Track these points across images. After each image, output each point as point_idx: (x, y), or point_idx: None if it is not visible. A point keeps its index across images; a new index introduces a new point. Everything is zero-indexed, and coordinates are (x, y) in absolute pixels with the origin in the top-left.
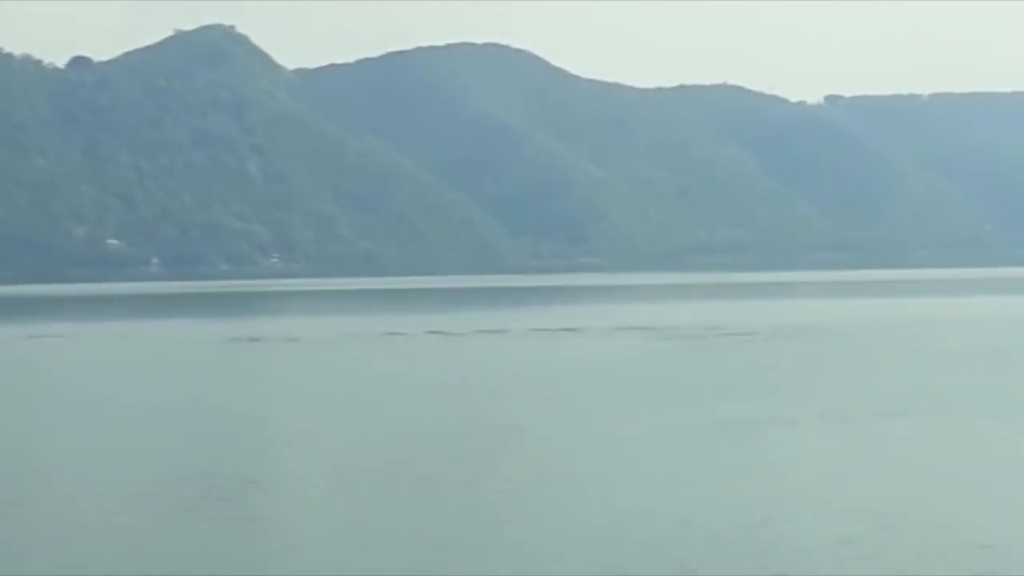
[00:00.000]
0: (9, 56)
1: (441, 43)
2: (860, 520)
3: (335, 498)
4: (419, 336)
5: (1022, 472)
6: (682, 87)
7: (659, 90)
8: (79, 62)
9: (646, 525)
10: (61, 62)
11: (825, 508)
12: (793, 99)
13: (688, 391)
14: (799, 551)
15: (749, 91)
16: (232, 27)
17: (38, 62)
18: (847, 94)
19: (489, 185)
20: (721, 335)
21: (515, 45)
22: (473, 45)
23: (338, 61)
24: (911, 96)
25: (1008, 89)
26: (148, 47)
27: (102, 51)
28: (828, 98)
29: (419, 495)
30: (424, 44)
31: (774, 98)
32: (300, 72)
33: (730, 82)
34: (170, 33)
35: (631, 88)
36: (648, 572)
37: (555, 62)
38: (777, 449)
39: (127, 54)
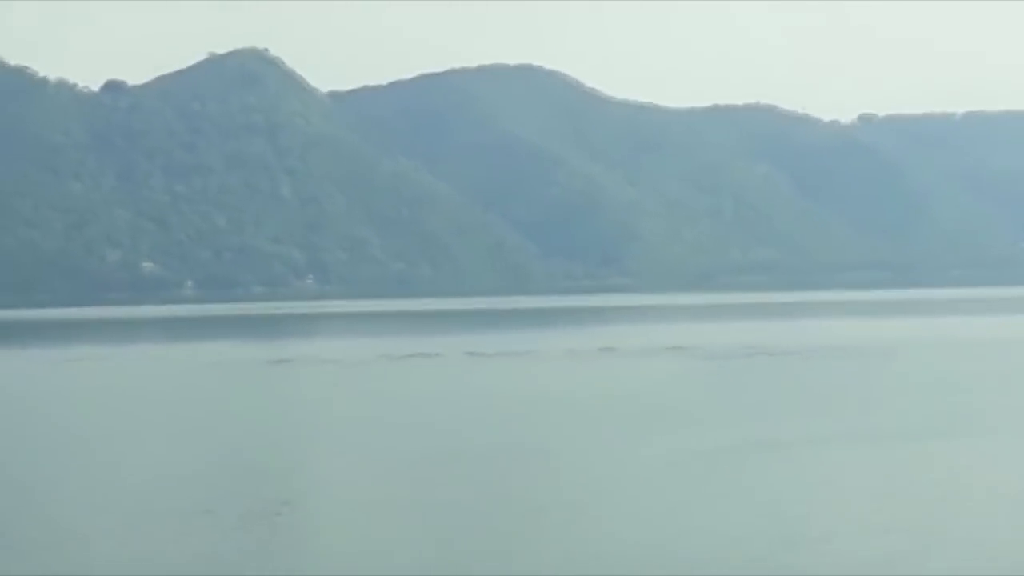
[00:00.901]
0: (44, 80)
1: (473, 65)
2: (900, 539)
3: (368, 519)
4: (452, 357)
5: None
6: (714, 107)
7: (691, 111)
8: (113, 86)
9: (684, 545)
10: (95, 86)
11: (865, 527)
12: (826, 119)
13: (724, 411)
14: (839, 570)
15: (782, 111)
16: (265, 50)
17: (72, 86)
18: (880, 113)
19: (521, 206)
20: (755, 355)
21: (547, 67)
22: (505, 67)
23: (371, 83)
24: (944, 115)
25: None
26: (181, 71)
27: (136, 75)
28: (861, 118)
29: (453, 516)
30: (456, 66)
31: (807, 118)
32: (333, 95)
33: (763, 102)
34: (203, 57)
35: (663, 109)
36: None
37: (587, 83)
38: (814, 469)
39: (160, 78)
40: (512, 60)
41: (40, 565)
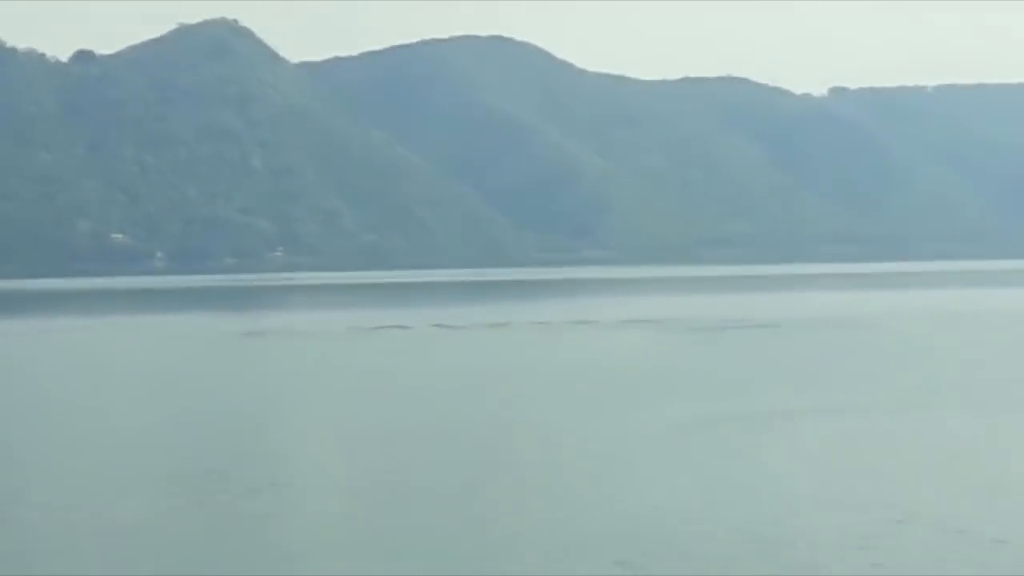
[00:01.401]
0: (13, 50)
1: (445, 36)
2: (876, 516)
3: (340, 494)
4: (424, 330)
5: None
6: (687, 79)
7: (664, 82)
8: (83, 56)
9: (659, 521)
10: (65, 56)
11: (841, 503)
12: (798, 91)
13: (698, 385)
14: (815, 548)
15: (754, 83)
16: (236, 21)
17: (42, 56)
18: (852, 86)
19: (495, 178)
20: (729, 328)
21: (520, 38)
22: (478, 38)
23: (342, 54)
24: (917, 88)
25: (1015, 81)
26: (152, 41)
27: (106, 45)
28: (833, 90)
29: (426, 491)
30: (429, 37)
31: (779, 90)
32: (305, 65)
33: (735, 74)
34: (174, 27)
35: (636, 81)
36: (661, 570)
37: (560, 55)
38: (791, 443)
39: (131, 48)
40: (484, 31)
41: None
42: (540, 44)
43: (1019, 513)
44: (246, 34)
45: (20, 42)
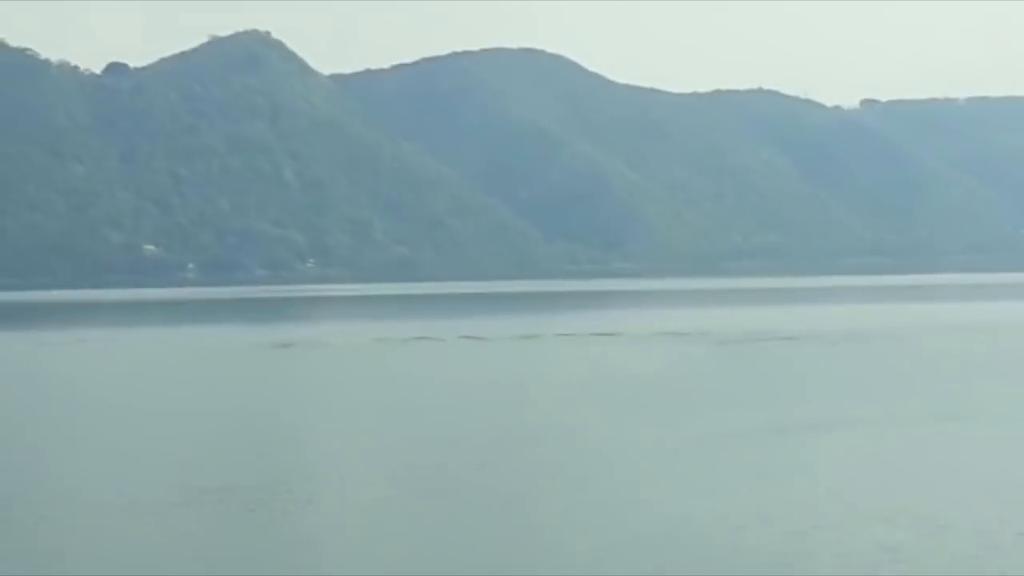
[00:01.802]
0: (46, 63)
1: (476, 48)
2: (906, 526)
3: (369, 505)
4: (453, 341)
5: None
6: (717, 92)
7: (695, 95)
8: (115, 68)
9: (691, 530)
10: (98, 68)
11: (871, 513)
12: (829, 104)
13: (728, 396)
14: (845, 558)
15: (785, 96)
16: (268, 33)
17: (75, 68)
18: (883, 98)
19: (525, 190)
20: (759, 340)
21: (550, 50)
22: (508, 50)
23: (373, 67)
24: (947, 100)
25: None
26: (184, 53)
27: (138, 57)
28: (864, 102)
29: (455, 500)
30: (459, 49)
31: (810, 102)
32: (335, 77)
33: (765, 87)
34: (205, 39)
35: (666, 93)
36: None
37: (590, 67)
38: (821, 454)
39: (163, 60)
40: (515, 43)
41: (27, 545)
42: (571, 56)
43: None
44: (277, 46)
45: (53, 55)
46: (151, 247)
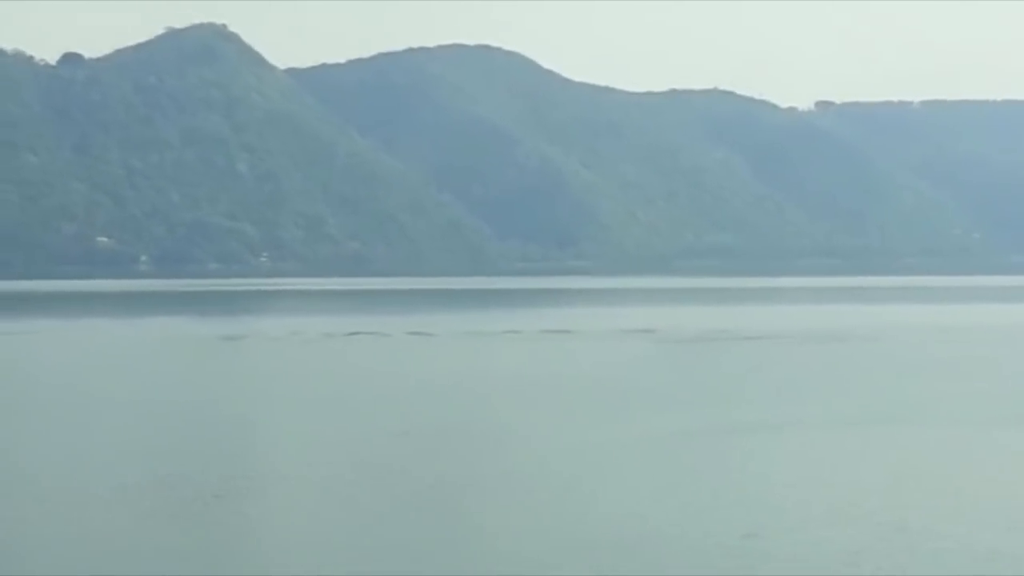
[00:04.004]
0: (1, 52)
1: (432, 44)
2: (860, 527)
3: (315, 497)
4: (400, 337)
5: (1012, 477)
6: (673, 92)
7: (650, 94)
8: (70, 59)
9: (641, 530)
10: (52, 59)
11: (823, 514)
12: (784, 105)
13: (679, 395)
14: (796, 559)
15: (740, 96)
16: (224, 26)
17: (29, 58)
18: (838, 100)
19: (479, 187)
20: (710, 340)
21: (506, 47)
22: (464, 47)
23: (329, 61)
24: (902, 103)
25: (999, 98)
26: (139, 45)
27: (94, 48)
28: (819, 104)
29: (398, 496)
30: (416, 45)
31: (764, 103)
32: (291, 71)
33: (721, 87)
34: (161, 31)
35: (622, 92)
36: None
37: (546, 65)
38: (771, 454)
39: (118, 51)
40: (471, 40)
41: None
42: (527, 53)
43: (1006, 525)
44: (233, 39)
45: (7, 44)
46: (104, 239)
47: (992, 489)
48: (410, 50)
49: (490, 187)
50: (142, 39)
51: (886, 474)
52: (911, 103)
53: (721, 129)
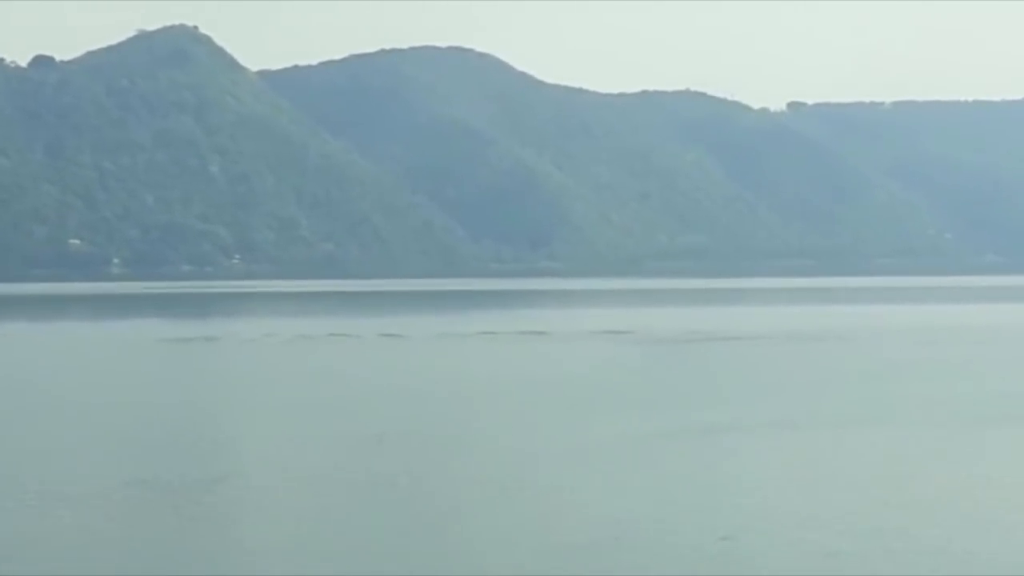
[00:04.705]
0: None
1: (405, 46)
2: (838, 529)
3: (288, 500)
4: (370, 339)
5: (989, 477)
6: (645, 93)
7: (622, 95)
8: (41, 61)
9: (618, 532)
10: (23, 61)
11: (801, 516)
12: (755, 106)
13: (652, 397)
14: (775, 560)
15: (712, 97)
16: (195, 28)
17: (0, 60)
18: (809, 101)
19: (451, 189)
20: (683, 341)
21: (479, 49)
22: (437, 48)
23: (301, 63)
24: (873, 104)
25: (971, 98)
26: (111, 47)
27: (65, 50)
28: (790, 105)
29: (372, 499)
30: (388, 47)
31: (736, 104)
32: (263, 73)
33: (693, 88)
34: (133, 33)
35: (594, 93)
36: None
37: (519, 66)
38: (746, 456)
39: (90, 53)
40: (443, 42)
41: None
42: (500, 55)
43: (983, 526)
44: (205, 41)
45: None
46: (76, 241)
47: (969, 490)
48: (383, 51)
49: (463, 188)
50: (113, 41)
51: (863, 475)
52: (883, 104)
53: (693, 130)
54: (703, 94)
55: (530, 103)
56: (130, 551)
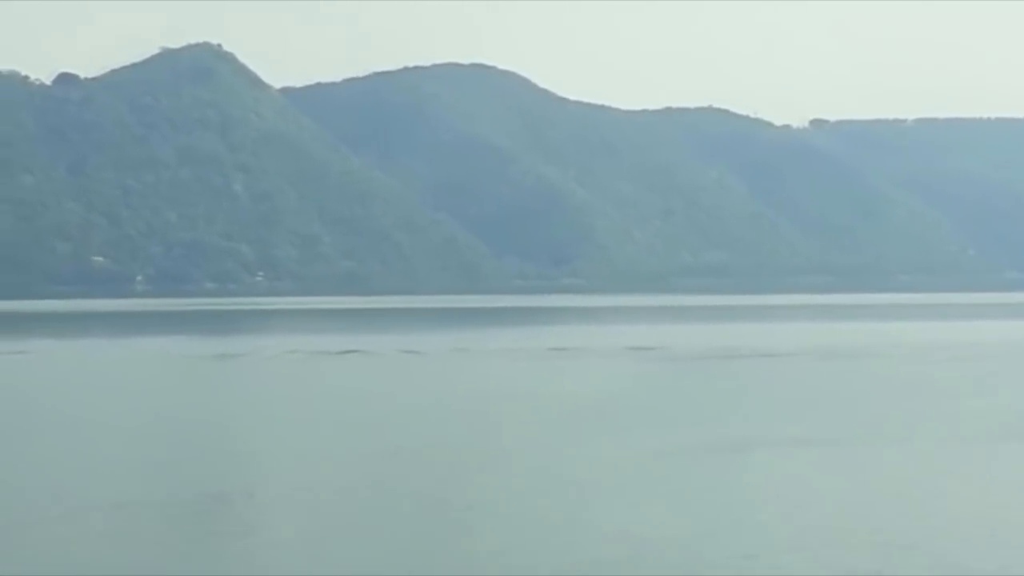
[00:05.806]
0: None
1: (427, 63)
2: (860, 547)
3: (309, 515)
4: (391, 355)
5: (1015, 496)
6: (668, 110)
7: (644, 112)
8: (65, 79)
9: (642, 550)
10: (48, 78)
11: (825, 535)
12: (778, 123)
13: (676, 413)
14: None
15: (734, 114)
16: (219, 45)
17: (24, 78)
18: (832, 118)
19: (474, 206)
20: (706, 358)
21: (501, 66)
22: (459, 65)
23: (324, 80)
24: (896, 121)
25: (992, 115)
26: (134, 64)
27: (89, 68)
28: (813, 122)
29: (391, 515)
30: (411, 64)
31: (759, 121)
32: (286, 91)
33: (716, 105)
34: (157, 51)
35: (617, 110)
36: None
37: (541, 83)
38: (770, 474)
39: (113, 71)
40: (466, 59)
41: None
42: (522, 72)
43: (1013, 544)
44: (229, 59)
45: (2, 64)
46: (99, 258)
47: (994, 508)
48: (405, 69)
49: (485, 205)
50: (137, 59)
51: (887, 492)
52: (905, 121)
53: (716, 147)
54: (726, 111)
55: (552, 120)
56: (149, 567)
